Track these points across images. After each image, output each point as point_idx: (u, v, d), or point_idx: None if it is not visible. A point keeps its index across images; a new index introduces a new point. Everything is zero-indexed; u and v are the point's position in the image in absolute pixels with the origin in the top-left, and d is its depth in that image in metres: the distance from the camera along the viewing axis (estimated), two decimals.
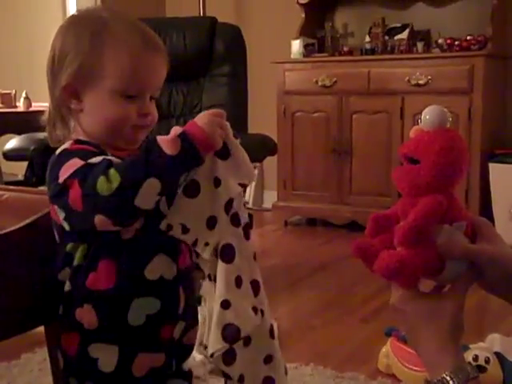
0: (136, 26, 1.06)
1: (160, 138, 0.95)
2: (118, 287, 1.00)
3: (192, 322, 1.12)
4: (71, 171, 0.96)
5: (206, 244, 1.03)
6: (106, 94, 1.02)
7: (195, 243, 1.01)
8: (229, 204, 1.04)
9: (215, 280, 1.06)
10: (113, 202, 0.93)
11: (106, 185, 0.92)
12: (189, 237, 1.02)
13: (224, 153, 1.02)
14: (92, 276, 1.01)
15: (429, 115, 0.89)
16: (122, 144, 1.06)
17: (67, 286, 1.04)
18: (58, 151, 1.04)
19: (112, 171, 0.93)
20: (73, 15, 1.10)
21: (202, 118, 0.98)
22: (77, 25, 1.06)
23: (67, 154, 1.01)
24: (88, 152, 1.00)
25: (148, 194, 0.93)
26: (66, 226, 0.99)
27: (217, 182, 1.02)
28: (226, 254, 1.05)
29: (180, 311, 1.07)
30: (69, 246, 1.03)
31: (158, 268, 1.03)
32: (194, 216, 1.01)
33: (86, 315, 1.02)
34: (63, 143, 1.06)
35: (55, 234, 1.07)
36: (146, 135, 1.09)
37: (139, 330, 1.02)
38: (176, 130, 0.98)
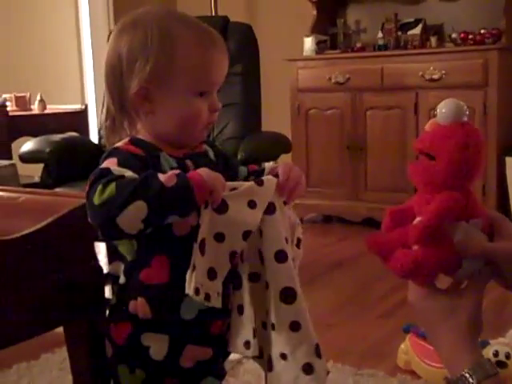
0: (198, 24, 1.08)
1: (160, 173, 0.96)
2: (172, 283, 1.02)
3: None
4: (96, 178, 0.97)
5: (207, 295, 1.00)
6: (180, 93, 1.04)
7: (197, 291, 0.98)
8: (232, 256, 1.02)
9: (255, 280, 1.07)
10: (98, 214, 0.94)
11: (99, 195, 0.94)
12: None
13: (222, 208, 1.00)
14: (146, 271, 1.03)
15: (445, 109, 0.87)
16: (188, 142, 1.08)
17: (122, 279, 1.07)
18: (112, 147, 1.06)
19: (112, 184, 0.94)
20: (132, 18, 1.08)
21: (203, 170, 0.99)
22: (140, 28, 1.05)
23: (113, 152, 1.03)
24: (132, 156, 1.01)
25: (132, 216, 0.93)
26: None
27: (219, 237, 1.00)
28: (287, 296, 1.06)
29: (230, 307, 1.08)
30: (120, 242, 1.05)
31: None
32: (200, 269, 0.99)
33: (140, 307, 1.04)
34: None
35: None
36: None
37: (190, 323, 1.05)
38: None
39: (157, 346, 1.05)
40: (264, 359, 1.09)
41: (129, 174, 0.96)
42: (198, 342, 1.07)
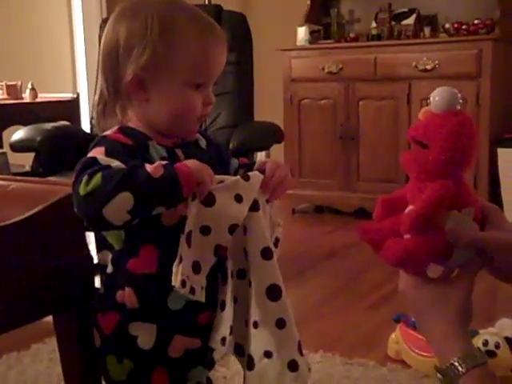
0: (199, 14, 1.05)
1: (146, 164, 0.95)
2: (160, 273, 1.01)
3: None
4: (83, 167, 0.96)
5: (192, 288, 0.99)
6: (177, 84, 1.02)
7: (183, 284, 0.97)
8: (217, 249, 1.01)
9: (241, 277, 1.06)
10: (83, 205, 0.93)
11: (84, 186, 0.92)
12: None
13: (209, 201, 0.99)
14: (133, 261, 1.02)
15: (438, 97, 0.87)
16: (180, 133, 1.07)
17: (109, 269, 1.06)
18: (101, 134, 1.04)
19: (98, 174, 0.92)
20: (131, 3, 1.06)
21: (192, 161, 0.97)
22: (140, 14, 1.03)
23: (101, 141, 1.02)
24: (120, 145, 1.00)
25: (118, 207, 0.91)
26: None
27: (205, 230, 0.99)
28: (273, 293, 1.03)
29: (218, 299, 1.08)
30: (107, 232, 1.04)
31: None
32: (186, 262, 0.98)
33: (128, 297, 1.03)
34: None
35: None
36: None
37: (178, 313, 1.04)
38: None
39: (145, 335, 1.04)
40: (244, 358, 1.08)
41: (116, 164, 0.95)
42: (186, 333, 1.07)
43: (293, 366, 1.06)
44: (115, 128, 1.05)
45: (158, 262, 1.02)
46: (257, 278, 1.03)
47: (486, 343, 1.78)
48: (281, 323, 1.05)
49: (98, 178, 0.92)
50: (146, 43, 1.01)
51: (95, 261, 1.17)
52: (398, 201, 0.91)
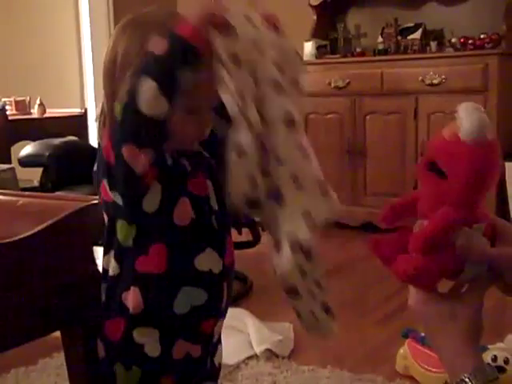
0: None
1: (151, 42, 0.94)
2: (169, 273, 1.01)
3: (223, 319, 1.13)
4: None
5: None
6: (179, 110, 0.97)
7: None
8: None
9: None
10: (124, 121, 0.92)
11: (117, 109, 0.93)
12: None
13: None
14: (142, 259, 1.02)
15: (469, 124, 0.81)
16: (177, 148, 1.05)
17: (112, 270, 1.05)
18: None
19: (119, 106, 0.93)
20: (133, 18, 1.06)
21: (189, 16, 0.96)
22: (138, 31, 1.02)
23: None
24: None
25: (147, 93, 0.90)
26: (114, 194, 0.99)
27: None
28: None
29: (223, 307, 1.08)
30: (119, 225, 1.02)
31: (208, 261, 1.04)
32: None
33: (133, 298, 1.02)
34: None
35: (105, 217, 1.06)
36: None
37: (182, 318, 1.04)
38: None
39: (151, 342, 1.04)
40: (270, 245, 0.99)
41: None
42: (189, 339, 1.06)
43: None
44: None
45: (167, 261, 1.01)
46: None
47: (494, 359, 1.77)
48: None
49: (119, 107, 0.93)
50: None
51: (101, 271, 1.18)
52: (408, 206, 0.90)
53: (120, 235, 1.03)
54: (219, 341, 1.16)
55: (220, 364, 1.19)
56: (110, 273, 1.05)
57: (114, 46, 1.04)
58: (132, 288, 1.03)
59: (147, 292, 1.02)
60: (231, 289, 1.11)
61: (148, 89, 0.90)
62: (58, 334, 1.23)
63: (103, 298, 1.07)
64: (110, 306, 1.06)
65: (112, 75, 1.04)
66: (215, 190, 1.08)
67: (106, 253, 1.07)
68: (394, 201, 0.92)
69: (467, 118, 0.81)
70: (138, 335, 1.04)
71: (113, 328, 1.06)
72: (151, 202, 0.99)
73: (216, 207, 1.06)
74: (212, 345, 1.12)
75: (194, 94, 0.98)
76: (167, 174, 1.00)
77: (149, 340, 1.04)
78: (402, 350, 2.01)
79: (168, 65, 0.91)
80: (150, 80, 0.90)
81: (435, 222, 0.82)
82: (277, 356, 2.10)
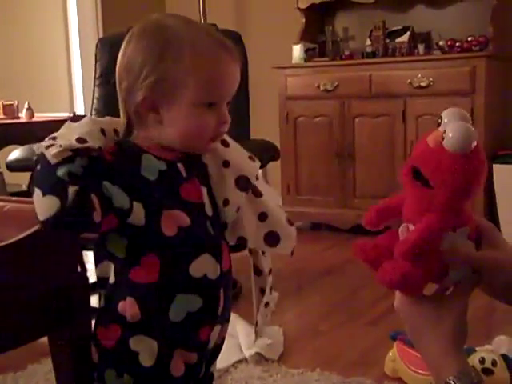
0: (210, 33, 1.04)
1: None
2: (162, 282, 1.02)
3: (226, 325, 1.14)
4: None
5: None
6: (187, 105, 1.00)
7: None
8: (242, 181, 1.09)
9: None
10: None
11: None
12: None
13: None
14: (135, 270, 1.02)
15: (453, 134, 0.80)
16: (195, 151, 1.06)
17: (111, 279, 1.05)
18: None
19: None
20: (143, 23, 1.05)
21: None
22: (150, 35, 1.02)
23: None
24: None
25: (37, 203, 0.95)
26: None
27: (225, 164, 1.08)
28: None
29: (219, 313, 1.08)
30: (110, 236, 1.02)
31: (203, 266, 1.04)
32: None
33: (129, 308, 1.03)
34: None
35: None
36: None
37: (179, 326, 1.04)
38: None
39: (146, 351, 1.04)
40: None
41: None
42: (187, 347, 1.06)
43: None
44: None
45: (160, 271, 1.02)
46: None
47: (482, 361, 1.78)
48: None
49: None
50: (153, 65, 1.00)
51: (93, 277, 1.17)
52: (393, 209, 0.91)
53: (111, 246, 1.03)
54: (218, 348, 1.16)
55: (213, 373, 1.19)
56: (110, 280, 1.05)
57: (123, 51, 1.05)
58: (128, 298, 1.03)
59: (143, 302, 1.02)
60: (229, 294, 1.11)
61: (35, 197, 0.95)
62: (45, 339, 1.23)
63: (102, 303, 1.07)
64: (107, 313, 1.06)
65: (124, 80, 1.03)
66: (210, 196, 1.08)
67: (100, 261, 1.06)
68: (378, 203, 0.92)
69: (452, 126, 0.81)
70: (135, 343, 1.04)
71: (108, 334, 1.06)
72: (137, 218, 0.99)
73: (211, 213, 1.07)
74: (207, 352, 1.11)
75: (204, 86, 1.00)
76: (149, 191, 1.00)
77: (144, 349, 1.03)
78: (390, 353, 2.01)
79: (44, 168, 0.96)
80: (36, 188, 0.95)
81: (421, 229, 0.83)
82: (266, 359, 2.10)
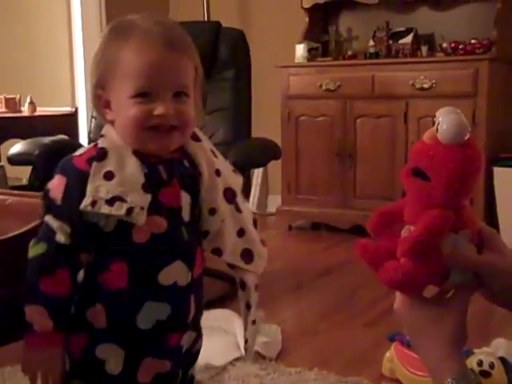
0: (156, 26, 1.03)
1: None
2: (130, 288, 1.01)
3: (200, 330, 1.13)
4: (42, 202, 1.03)
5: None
6: (124, 95, 1.01)
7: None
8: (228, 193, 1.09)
9: None
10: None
11: (31, 248, 1.01)
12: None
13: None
14: (104, 274, 1.01)
15: (446, 125, 0.82)
16: (153, 149, 1.03)
17: (79, 283, 1.04)
18: (72, 154, 1.05)
19: (40, 246, 1.00)
20: (118, 22, 1.07)
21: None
22: (106, 32, 1.06)
23: (66, 168, 1.03)
24: (79, 179, 0.99)
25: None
26: None
27: (217, 173, 1.08)
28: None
29: (189, 320, 1.07)
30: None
31: (173, 274, 1.03)
32: None
33: (97, 314, 1.02)
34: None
35: None
36: (183, 139, 1.06)
37: (147, 334, 1.02)
38: None
39: (112, 359, 1.02)
40: None
41: (59, 237, 0.99)
42: (156, 355, 1.05)
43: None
44: (89, 147, 1.04)
45: (128, 277, 1.01)
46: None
47: (480, 363, 1.78)
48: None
49: (39, 248, 1.00)
50: (98, 61, 1.03)
51: None
52: (395, 214, 0.91)
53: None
54: (196, 353, 1.14)
55: (193, 375, 1.17)
56: (79, 285, 1.03)
57: (99, 48, 1.05)
58: (97, 304, 1.02)
59: (110, 308, 1.02)
60: (201, 300, 1.10)
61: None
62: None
63: (72, 310, 1.04)
64: (76, 320, 1.04)
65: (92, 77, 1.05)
66: (192, 201, 1.06)
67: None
68: (381, 208, 0.92)
69: (444, 119, 0.83)
70: (100, 351, 1.03)
71: (75, 342, 1.04)
72: (107, 225, 0.99)
73: (187, 218, 1.05)
74: (182, 357, 1.09)
75: (137, 75, 1.00)
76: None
77: (110, 357, 1.02)
78: (388, 353, 2.01)
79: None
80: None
81: (422, 225, 0.83)
82: (264, 358, 2.11)
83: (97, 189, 0.97)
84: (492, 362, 1.79)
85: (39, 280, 0.98)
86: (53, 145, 2.97)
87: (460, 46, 3.70)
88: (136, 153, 1.02)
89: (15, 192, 1.44)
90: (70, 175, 1.01)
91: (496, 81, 3.61)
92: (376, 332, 2.36)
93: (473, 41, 3.69)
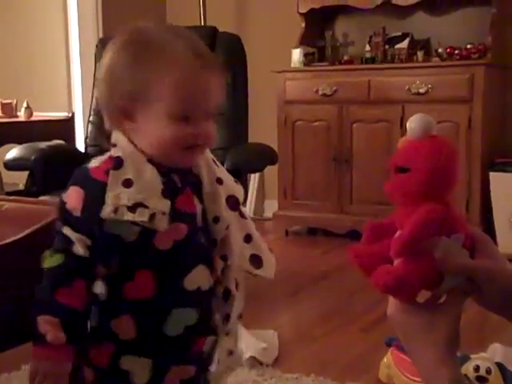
0: (187, 42, 1.02)
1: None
2: (157, 297, 1.01)
3: (221, 335, 1.13)
4: (58, 214, 1.01)
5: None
6: (160, 116, 1.00)
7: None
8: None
9: None
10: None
11: (47, 258, 0.99)
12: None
13: None
14: (129, 285, 1.01)
15: (413, 124, 0.89)
16: (179, 165, 1.04)
17: (102, 296, 1.03)
18: (86, 164, 1.04)
19: (57, 257, 0.98)
20: (128, 32, 1.05)
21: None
22: (128, 44, 1.03)
23: (83, 180, 1.02)
24: (99, 190, 0.99)
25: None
26: None
27: (219, 181, 1.08)
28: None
29: (214, 323, 1.08)
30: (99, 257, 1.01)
31: (197, 279, 1.04)
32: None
33: (124, 325, 1.02)
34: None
35: None
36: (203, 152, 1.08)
37: (175, 340, 1.03)
38: None
39: (138, 370, 1.03)
40: None
41: (77, 249, 0.98)
42: (182, 361, 1.05)
43: None
44: (105, 158, 1.04)
45: (154, 285, 1.01)
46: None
47: (477, 368, 1.78)
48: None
49: (55, 260, 0.98)
50: (127, 74, 1.01)
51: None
52: (387, 227, 0.91)
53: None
54: (213, 355, 1.14)
55: (209, 380, 1.17)
56: (100, 297, 1.03)
57: (105, 57, 1.05)
58: (123, 316, 1.02)
59: (138, 317, 1.02)
60: (222, 304, 1.10)
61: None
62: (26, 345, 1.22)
63: (93, 322, 1.04)
64: (98, 332, 1.04)
65: (104, 86, 1.05)
66: (202, 207, 1.07)
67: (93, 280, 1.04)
68: (375, 221, 0.93)
69: (413, 120, 0.89)
70: (125, 363, 1.03)
71: (100, 354, 1.04)
72: (130, 235, 0.99)
73: (201, 224, 1.06)
74: (204, 361, 1.10)
75: (178, 100, 0.99)
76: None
77: (136, 368, 1.03)
78: (385, 359, 2.01)
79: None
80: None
81: (413, 221, 0.83)
82: (261, 364, 2.10)
83: (117, 196, 0.98)
84: (489, 368, 1.79)
85: (55, 291, 0.97)
86: (49, 150, 2.97)
87: (456, 51, 3.71)
88: (150, 161, 1.03)
89: (11, 198, 1.44)
90: (89, 187, 1.00)
91: (491, 86, 3.62)
92: (373, 337, 2.36)
93: (468, 46, 3.70)
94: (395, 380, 1.97)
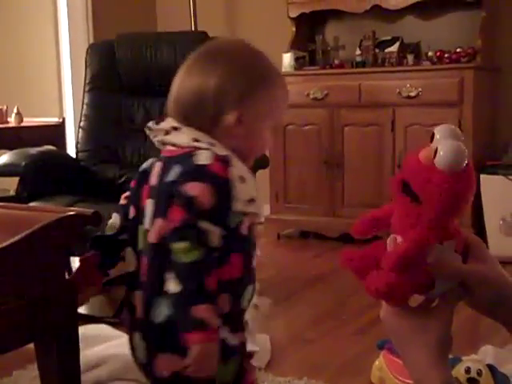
0: (273, 64, 1.31)
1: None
2: (243, 276, 1.15)
3: None
4: (186, 209, 1.08)
5: None
6: (267, 126, 1.22)
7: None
8: None
9: None
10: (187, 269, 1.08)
11: (186, 252, 1.06)
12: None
13: None
14: (226, 267, 1.12)
15: (444, 152, 0.81)
16: (248, 165, 1.22)
17: (174, 288, 1.08)
18: (196, 162, 1.12)
19: (196, 252, 1.06)
20: (208, 52, 1.26)
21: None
22: (232, 61, 1.24)
23: (205, 175, 1.10)
24: (225, 185, 1.10)
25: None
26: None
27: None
28: None
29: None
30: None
31: (256, 258, 1.20)
32: None
33: (223, 303, 1.11)
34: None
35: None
36: None
37: (242, 314, 1.18)
38: None
39: (227, 334, 1.14)
40: None
41: (214, 240, 1.07)
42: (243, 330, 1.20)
43: None
44: (211, 155, 1.13)
45: (242, 266, 1.14)
46: None
47: (468, 370, 1.78)
48: None
49: (196, 254, 1.06)
50: (249, 89, 1.19)
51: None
52: (381, 219, 0.91)
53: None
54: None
55: None
56: (173, 290, 1.08)
57: (203, 74, 1.20)
58: (222, 295, 1.11)
59: (233, 295, 1.14)
60: None
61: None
62: (31, 345, 1.22)
63: (169, 312, 1.11)
64: (182, 320, 1.08)
65: (207, 103, 1.16)
66: None
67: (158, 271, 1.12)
68: (368, 213, 0.93)
69: (443, 145, 0.82)
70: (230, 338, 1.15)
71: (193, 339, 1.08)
72: (233, 223, 1.12)
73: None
74: None
75: (279, 113, 1.26)
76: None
77: (225, 333, 1.13)
78: (377, 362, 2.02)
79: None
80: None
81: (408, 242, 0.83)
82: None
83: (243, 191, 1.13)
84: (480, 370, 1.79)
85: (205, 281, 1.05)
86: (40, 156, 2.96)
87: (445, 55, 3.73)
88: None
89: (1, 204, 1.43)
90: (214, 181, 1.10)
91: (481, 89, 3.64)
92: (365, 340, 2.36)
93: (458, 49, 3.72)
94: (387, 383, 1.97)
